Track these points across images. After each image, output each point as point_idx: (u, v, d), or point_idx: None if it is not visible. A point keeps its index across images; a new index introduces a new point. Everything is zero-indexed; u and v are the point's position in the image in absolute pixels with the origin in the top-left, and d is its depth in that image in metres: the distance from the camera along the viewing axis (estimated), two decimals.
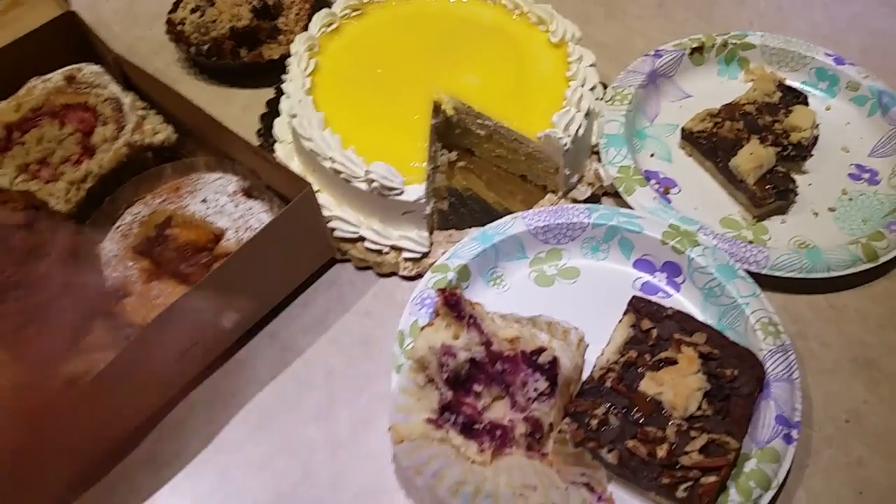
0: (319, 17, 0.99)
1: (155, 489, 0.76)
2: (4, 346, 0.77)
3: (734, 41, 1.05)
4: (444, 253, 0.87)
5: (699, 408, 0.71)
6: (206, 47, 1.06)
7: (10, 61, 0.97)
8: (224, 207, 0.89)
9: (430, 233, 0.91)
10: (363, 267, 0.91)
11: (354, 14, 1.02)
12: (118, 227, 0.89)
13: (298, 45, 0.96)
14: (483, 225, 0.89)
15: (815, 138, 0.94)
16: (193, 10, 1.08)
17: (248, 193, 0.90)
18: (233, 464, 0.77)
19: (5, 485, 0.69)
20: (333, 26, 1.00)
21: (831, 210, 0.91)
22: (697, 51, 1.04)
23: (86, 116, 0.95)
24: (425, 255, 0.90)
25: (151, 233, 0.87)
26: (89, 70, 0.98)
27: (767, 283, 0.83)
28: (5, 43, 0.98)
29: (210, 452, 0.78)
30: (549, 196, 0.94)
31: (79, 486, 0.77)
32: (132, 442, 0.79)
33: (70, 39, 1.01)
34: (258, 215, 0.88)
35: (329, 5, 1.03)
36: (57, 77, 0.98)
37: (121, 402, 0.76)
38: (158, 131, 0.94)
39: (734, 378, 0.73)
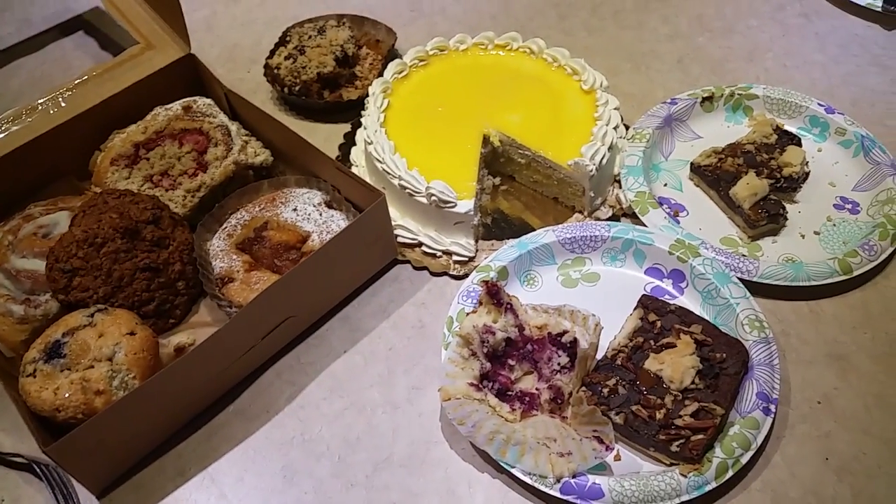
0: (393, 66, 1.16)
1: (247, 435, 0.90)
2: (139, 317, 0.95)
3: (740, 92, 1.17)
4: (486, 258, 1.01)
5: (692, 382, 0.83)
6: (297, 88, 1.22)
7: (141, 92, 1.13)
8: (310, 215, 1.02)
9: (476, 241, 1.05)
10: (420, 267, 1.04)
11: (421, 63, 1.18)
12: (224, 228, 1.03)
13: (375, 87, 1.13)
14: None
15: (806, 174, 1.07)
16: (287, 58, 1.25)
17: (330, 205, 1.04)
18: (311, 417, 0.91)
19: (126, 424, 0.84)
20: (404, 73, 1.16)
21: (816, 233, 1.03)
22: (708, 100, 1.17)
23: (200, 139, 1.10)
24: (471, 259, 1.03)
25: (251, 234, 1.03)
26: (203, 102, 1.14)
27: (758, 290, 0.95)
28: (140, 78, 1.13)
29: (293, 408, 0.92)
30: (576, 215, 1.08)
31: (184, 430, 0.90)
32: (229, 398, 0.93)
33: (188, 76, 1.18)
34: (338, 222, 1.02)
35: (398, 57, 1.21)
36: (176, 106, 1.13)
37: (220, 367, 0.89)
38: (259, 154, 1.09)
39: (723, 360, 0.85)
